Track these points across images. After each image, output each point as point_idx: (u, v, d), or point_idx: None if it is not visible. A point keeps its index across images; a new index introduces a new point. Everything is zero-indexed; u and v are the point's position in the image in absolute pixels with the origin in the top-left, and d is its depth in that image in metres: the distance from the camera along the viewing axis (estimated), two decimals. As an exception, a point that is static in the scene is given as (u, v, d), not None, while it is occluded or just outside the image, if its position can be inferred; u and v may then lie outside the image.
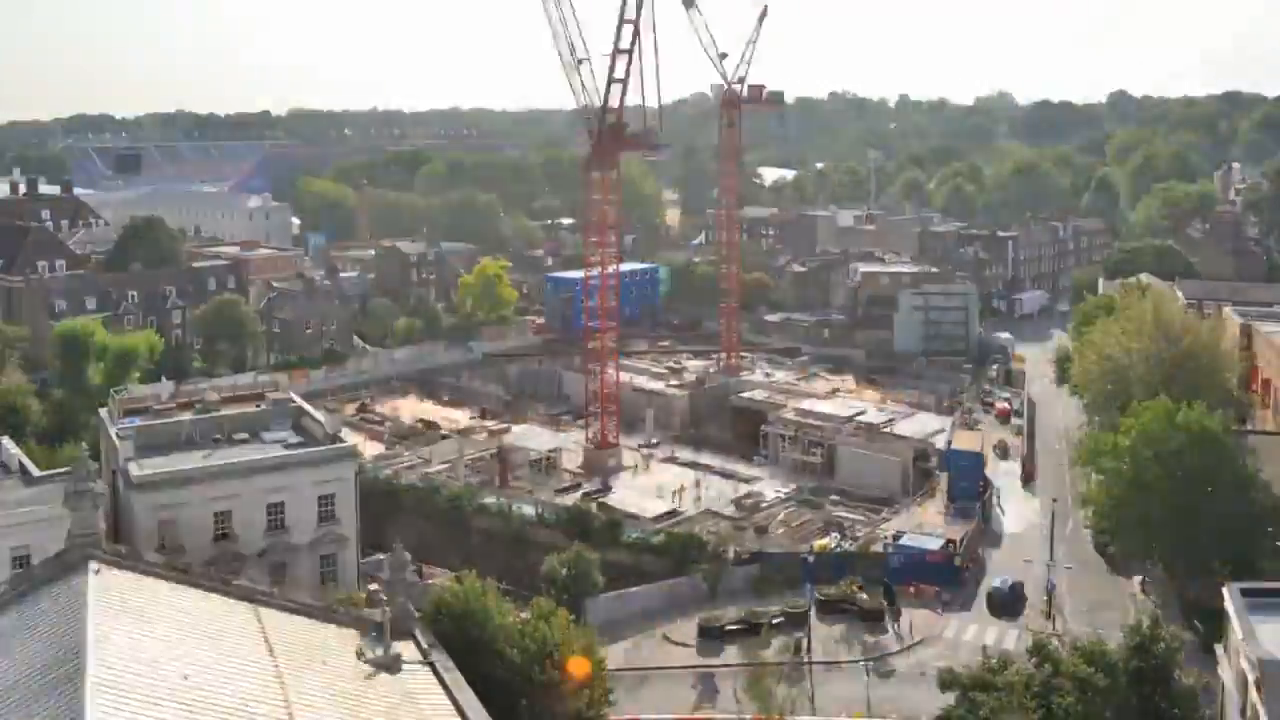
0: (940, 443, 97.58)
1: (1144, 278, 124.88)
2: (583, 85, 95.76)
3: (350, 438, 76.65)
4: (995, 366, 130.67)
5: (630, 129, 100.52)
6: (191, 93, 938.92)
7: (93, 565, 34.26)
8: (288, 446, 68.36)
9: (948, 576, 75.57)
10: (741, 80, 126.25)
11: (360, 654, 36.88)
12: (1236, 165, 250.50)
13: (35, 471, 63.98)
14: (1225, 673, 50.02)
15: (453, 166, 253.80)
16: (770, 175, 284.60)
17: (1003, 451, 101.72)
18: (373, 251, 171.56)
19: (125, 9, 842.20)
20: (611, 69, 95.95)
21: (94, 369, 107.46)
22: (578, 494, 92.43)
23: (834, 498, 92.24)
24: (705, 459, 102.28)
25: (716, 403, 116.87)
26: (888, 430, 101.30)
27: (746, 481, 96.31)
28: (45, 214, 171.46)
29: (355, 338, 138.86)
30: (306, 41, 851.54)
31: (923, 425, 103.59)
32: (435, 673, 37.86)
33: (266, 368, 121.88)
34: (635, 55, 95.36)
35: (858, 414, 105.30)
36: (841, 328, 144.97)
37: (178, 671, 30.21)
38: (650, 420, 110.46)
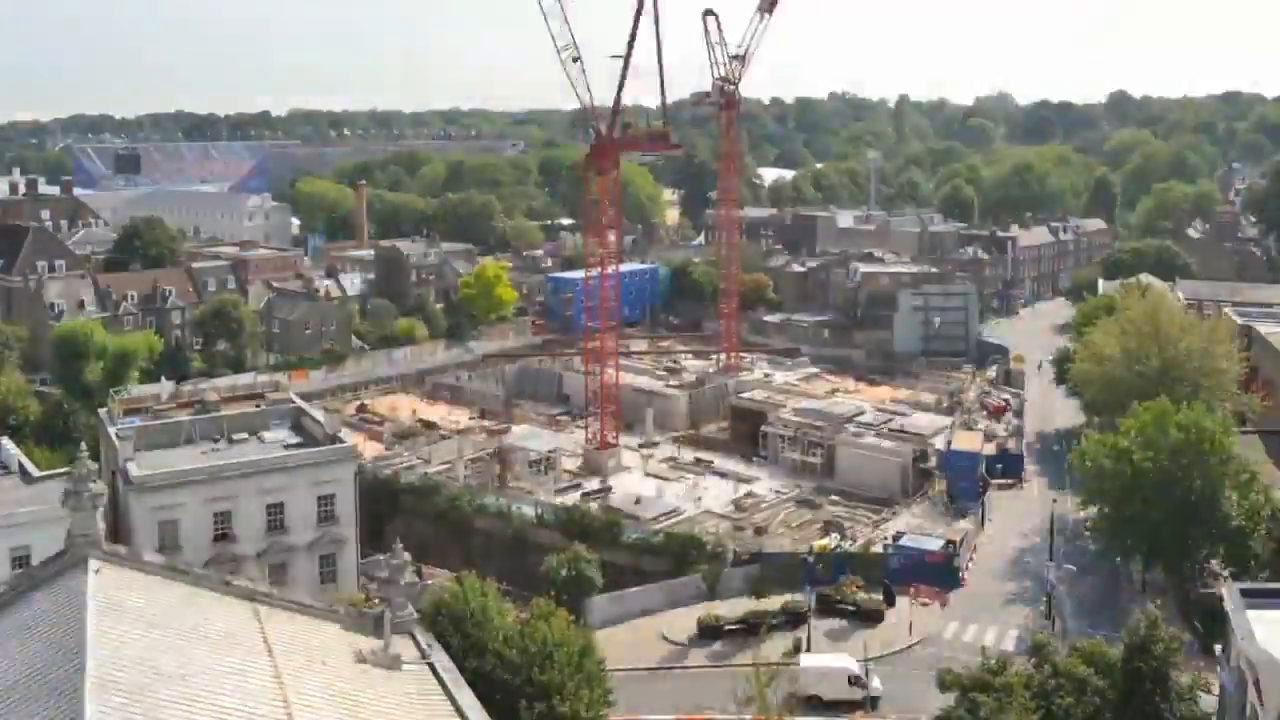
0: (940, 443, 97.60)
1: (1143, 278, 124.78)
2: (587, 86, 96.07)
3: (350, 438, 76.61)
4: (995, 367, 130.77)
5: (634, 129, 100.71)
6: (191, 93, 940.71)
7: (92, 565, 34.15)
8: (287, 447, 68.54)
9: (947, 577, 75.58)
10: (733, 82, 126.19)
11: (360, 654, 36.84)
12: (1236, 165, 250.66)
13: (35, 471, 64.11)
14: (1224, 673, 49.98)
15: (452, 166, 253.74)
16: (770, 175, 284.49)
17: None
18: (372, 252, 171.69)
19: (125, 9, 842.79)
20: (625, 68, 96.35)
21: (93, 369, 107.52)
22: (577, 494, 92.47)
23: (833, 498, 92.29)
24: (705, 459, 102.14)
25: (716, 403, 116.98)
26: (887, 430, 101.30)
27: (746, 481, 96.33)
28: (45, 214, 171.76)
29: (355, 338, 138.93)
30: (306, 41, 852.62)
31: (922, 425, 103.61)
32: (434, 673, 37.78)
33: (266, 368, 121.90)
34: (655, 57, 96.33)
35: (858, 414, 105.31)
36: (841, 328, 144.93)
37: (177, 672, 30.17)
38: (650, 420, 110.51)
